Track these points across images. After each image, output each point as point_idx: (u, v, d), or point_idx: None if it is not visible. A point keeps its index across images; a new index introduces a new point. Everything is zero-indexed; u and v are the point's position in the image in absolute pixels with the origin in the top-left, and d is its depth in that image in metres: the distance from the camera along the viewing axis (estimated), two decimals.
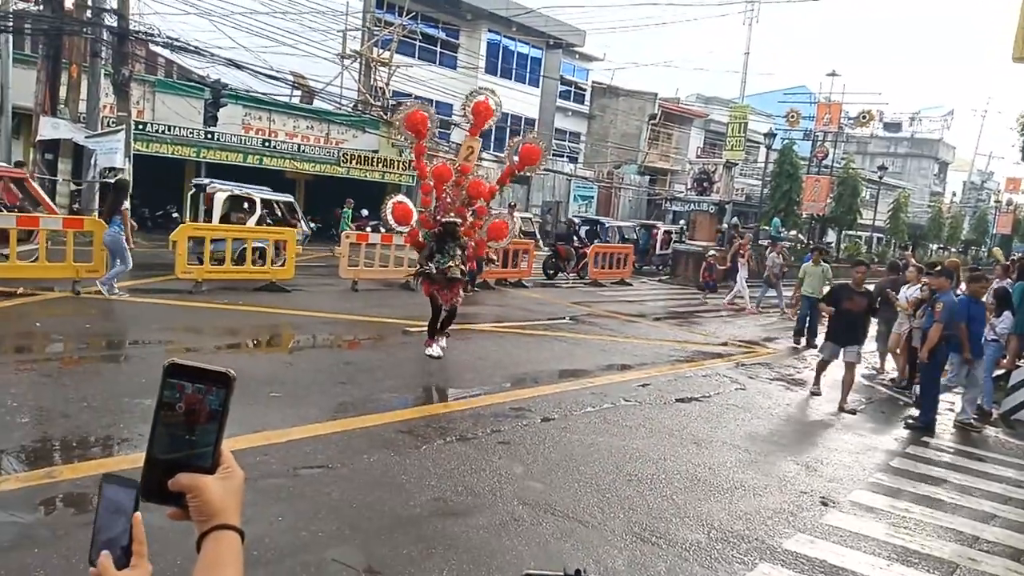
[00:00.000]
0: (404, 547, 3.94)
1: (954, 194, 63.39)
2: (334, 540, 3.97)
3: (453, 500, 4.64)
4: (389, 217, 8.57)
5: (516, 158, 8.85)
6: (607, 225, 25.18)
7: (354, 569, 3.79)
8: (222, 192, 14.07)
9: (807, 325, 12.79)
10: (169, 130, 19.51)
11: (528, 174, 9.50)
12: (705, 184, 25.53)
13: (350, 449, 5.35)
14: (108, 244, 10.43)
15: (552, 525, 4.42)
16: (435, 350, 8.57)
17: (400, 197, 8.96)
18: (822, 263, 12.94)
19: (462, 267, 8.55)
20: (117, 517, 0.95)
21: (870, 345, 12.67)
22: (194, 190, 15.07)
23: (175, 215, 19.96)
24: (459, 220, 8.45)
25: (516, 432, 6.22)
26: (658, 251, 25.04)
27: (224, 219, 13.87)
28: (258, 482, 4.58)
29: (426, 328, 8.84)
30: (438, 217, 8.49)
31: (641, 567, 4.03)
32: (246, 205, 14.53)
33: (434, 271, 8.37)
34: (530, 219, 22.95)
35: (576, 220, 24.72)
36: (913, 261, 13.37)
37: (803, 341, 12.76)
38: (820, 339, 12.02)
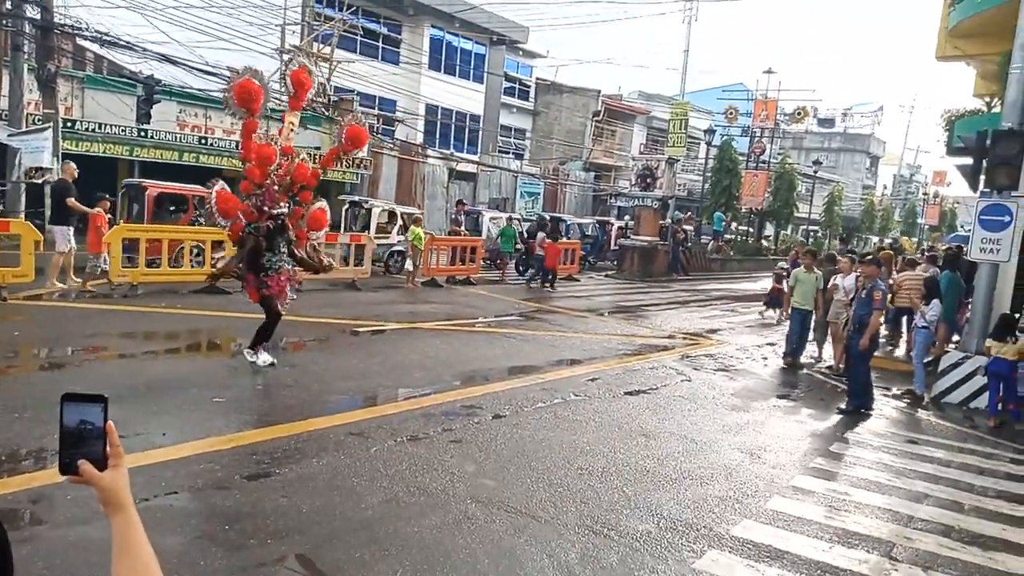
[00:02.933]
0: (356, 550, 3.89)
1: (885, 187, 66.01)
2: (284, 546, 3.89)
3: (405, 501, 4.61)
4: (214, 208, 7.34)
5: (343, 140, 7.95)
6: (569, 222, 26.26)
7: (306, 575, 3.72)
8: (377, 207, 18.26)
9: (798, 341, 10.92)
10: (100, 128, 18.77)
11: (355, 156, 8.97)
12: (648, 180, 25.84)
13: (299, 453, 5.25)
14: None
15: (505, 522, 4.43)
16: (266, 357, 7.65)
17: (223, 185, 7.46)
18: (815, 270, 10.88)
19: (290, 267, 7.66)
20: (88, 430, 1.16)
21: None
22: (348, 206, 18.58)
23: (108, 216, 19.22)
24: (286, 211, 7.56)
25: (467, 430, 6.21)
26: (612, 246, 25.93)
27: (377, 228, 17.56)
28: (204, 491, 4.47)
29: (261, 333, 7.73)
30: (266, 208, 7.40)
31: (593, 560, 4.07)
32: (387, 217, 18.29)
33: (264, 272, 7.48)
34: (517, 219, 23.11)
35: (547, 218, 25.23)
36: (837, 254, 12.96)
37: (798, 360, 10.95)
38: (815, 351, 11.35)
